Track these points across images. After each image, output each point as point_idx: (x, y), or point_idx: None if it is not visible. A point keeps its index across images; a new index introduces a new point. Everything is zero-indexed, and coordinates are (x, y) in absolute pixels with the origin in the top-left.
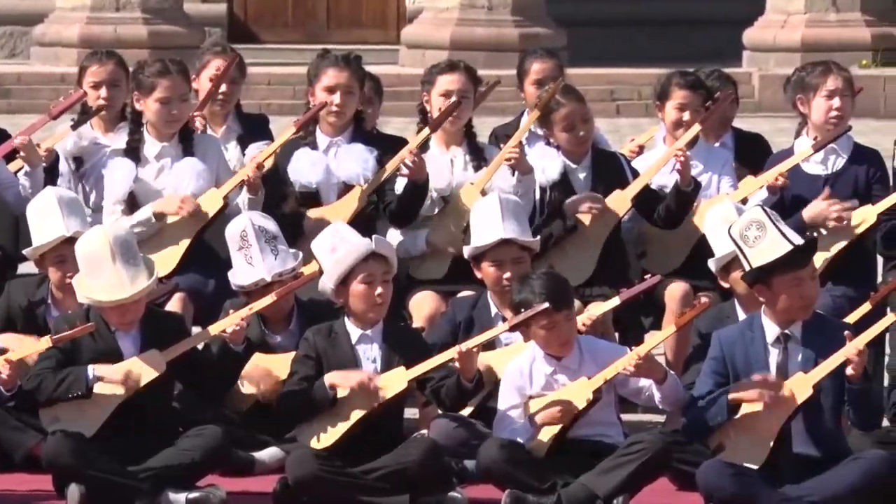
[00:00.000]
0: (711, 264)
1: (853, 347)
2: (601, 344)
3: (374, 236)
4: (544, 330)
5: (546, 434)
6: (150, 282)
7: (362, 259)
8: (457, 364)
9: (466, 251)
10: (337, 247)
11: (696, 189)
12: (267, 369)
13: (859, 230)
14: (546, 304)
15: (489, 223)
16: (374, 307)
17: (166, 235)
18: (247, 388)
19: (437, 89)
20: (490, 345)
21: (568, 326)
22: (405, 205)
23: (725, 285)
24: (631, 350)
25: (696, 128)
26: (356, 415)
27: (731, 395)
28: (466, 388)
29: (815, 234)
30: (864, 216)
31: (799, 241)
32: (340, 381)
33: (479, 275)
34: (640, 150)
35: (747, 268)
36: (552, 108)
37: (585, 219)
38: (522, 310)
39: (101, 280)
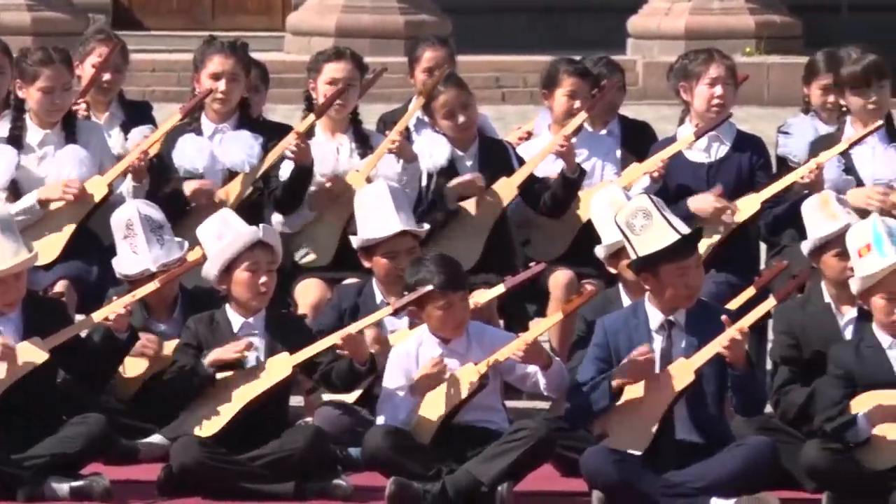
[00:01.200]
0: (599, 251)
1: (732, 332)
2: (488, 330)
3: (261, 225)
4: (441, 311)
5: (431, 417)
6: (31, 255)
7: (248, 247)
8: (342, 349)
9: (356, 241)
10: (223, 234)
11: (581, 176)
12: None
13: (742, 218)
14: (430, 287)
15: (381, 214)
16: (257, 295)
17: (50, 223)
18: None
19: (323, 77)
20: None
21: (463, 307)
22: (290, 191)
23: (613, 272)
24: (518, 336)
25: (583, 115)
26: (240, 402)
27: (614, 382)
28: (359, 370)
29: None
30: (748, 204)
31: (686, 230)
32: (217, 356)
33: (367, 265)
34: (528, 136)
35: (633, 256)
36: (435, 96)
37: (470, 205)
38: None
39: None
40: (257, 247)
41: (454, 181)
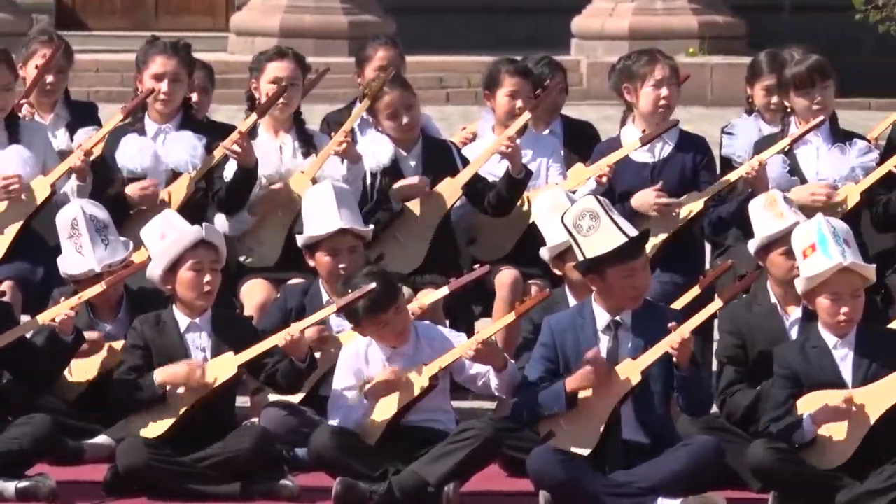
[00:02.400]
0: (544, 253)
1: (679, 334)
2: (437, 331)
3: (204, 224)
4: (376, 328)
5: (379, 418)
6: None
7: (191, 246)
8: (285, 349)
9: (300, 239)
10: (166, 234)
11: (526, 176)
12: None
13: (686, 217)
14: (373, 285)
15: (324, 212)
16: (202, 295)
17: None
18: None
19: (266, 77)
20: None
21: (398, 319)
22: (234, 191)
23: (558, 273)
24: (468, 337)
25: (526, 116)
26: (186, 404)
27: (570, 387)
28: (300, 368)
29: (647, 226)
30: (692, 203)
31: (633, 232)
32: (169, 379)
33: (312, 263)
34: (474, 138)
35: (581, 258)
36: (379, 97)
37: (414, 206)
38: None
39: None
40: (200, 246)
41: (399, 183)
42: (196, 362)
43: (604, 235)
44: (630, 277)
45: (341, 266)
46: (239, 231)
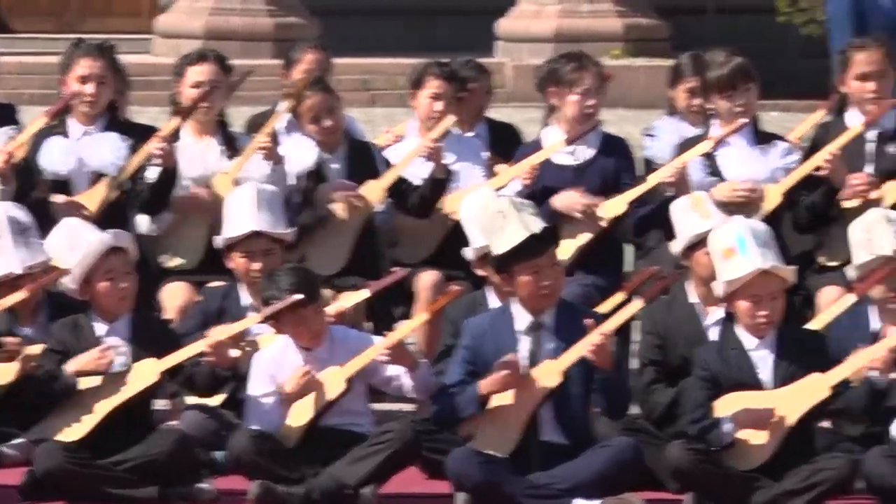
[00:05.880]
0: (467, 253)
1: (598, 334)
2: (352, 334)
3: (111, 230)
4: (294, 324)
5: (297, 421)
6: None
7: (103, 255)
8: (209, 356)
9: (217, 241)
10: (74, 246)
11: (448, 178)
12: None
13: (608, 219)
14: (299, 296)
15: (241, 214)
16: (119, 301)
17: None
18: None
19: (188, 80)
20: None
21: (317, 319)
22: (156, 193)
23: (481, 274)
24: (383, 338)
25: (451, 118)
26: (104, 407)
27: (483, 390)
28: (222, 375)
29: (558, 224)
30: (614, 205)
31: (536, 229)
32: (81, 367)
33: (230, 265)
34: (400, 138)
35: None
36: (303, 99)
37: (338, 209)
38: (272, 303)
39: None
40: (111, 253)
41: (322, 187)
42: (105, 346)
43: (510, 233)
44: (536, 274)
45: (256, 268)
46: (162, 228)
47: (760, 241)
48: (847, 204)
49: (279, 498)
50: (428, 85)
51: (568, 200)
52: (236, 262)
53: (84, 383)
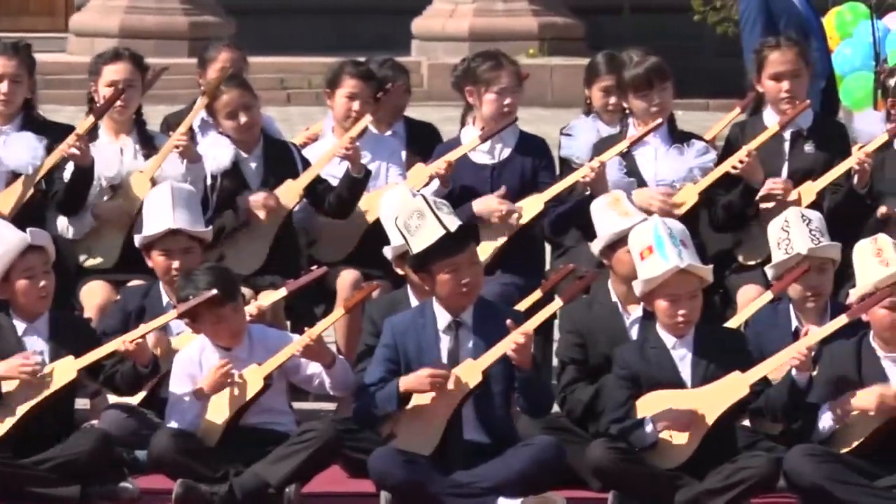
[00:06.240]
0: (387, 252)
1: (519, 333)
2: (271, 332)
3: (28, 229)
4: (212, 323)
5: (216, 419)
6: None
7: (20, 254)
8: (128, 353)
9: (137, 240)
10: None
11: (366, 177)
12: None
13: (525, 219)
14: (214, 291)
15: (159, 212)
16: (37, 300)
17: None
18: None
19: (104, 79)
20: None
21: (235, 318)
22: (72, 192)
23: (401, 273)
24: (301, 336)
25: (368, 118)
26: (23, 407)
27: (403, 387)
28: (142, 372)
29: (489, 230)
30: (531, 204)
31: (453, 227)
32: (2, 373)
33: (150, 264)
34: (316, 139)
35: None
36: (217, 96)
37: (260, 213)
38: (188, 284)
39: None
40: (29, 252)
41: (245, 195)
42: (29, 353)
43: (427, 232)
44: (455, 272)
45: (175, 266)
46: (81, 233)
47: (677, 239)
48: (764, 204)
49: (201, 497)
50: (344, 84)
51: (487, 205)
52: (155, 260)
53: (3, 384)
